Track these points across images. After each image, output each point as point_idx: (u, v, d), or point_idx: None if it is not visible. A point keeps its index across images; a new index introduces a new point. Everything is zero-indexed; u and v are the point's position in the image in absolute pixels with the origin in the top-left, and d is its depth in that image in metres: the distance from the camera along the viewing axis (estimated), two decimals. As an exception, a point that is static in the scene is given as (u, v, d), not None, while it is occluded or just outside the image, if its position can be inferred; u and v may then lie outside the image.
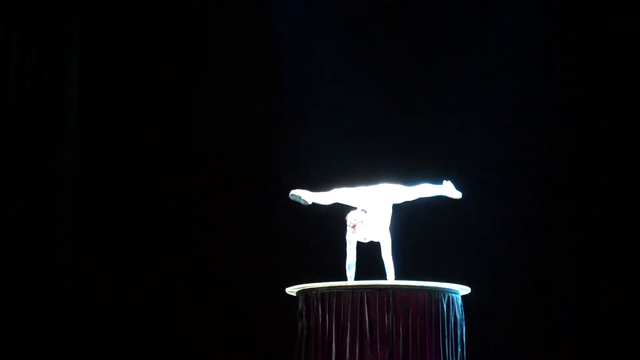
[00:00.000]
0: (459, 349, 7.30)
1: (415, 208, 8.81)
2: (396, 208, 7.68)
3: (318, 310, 7.19)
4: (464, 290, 7.47)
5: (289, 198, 7.70)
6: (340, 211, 7.60)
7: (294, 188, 7.73)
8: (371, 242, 7.53)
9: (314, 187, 7.84)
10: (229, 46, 10.50)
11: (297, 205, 7.68)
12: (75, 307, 9.70)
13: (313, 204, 7.64)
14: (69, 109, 9.89)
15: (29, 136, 9.65)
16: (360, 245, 7.53)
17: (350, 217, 7.44)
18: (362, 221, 7.40)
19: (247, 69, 10.49)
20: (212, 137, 10.35)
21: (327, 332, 7.13)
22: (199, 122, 10.36)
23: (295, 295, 7.49)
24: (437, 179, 10.15)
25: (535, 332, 9.73)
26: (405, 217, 7.77)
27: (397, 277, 7.45)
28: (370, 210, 7.47)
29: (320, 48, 10.42)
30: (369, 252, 7.64)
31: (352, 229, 7.41)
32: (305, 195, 7.58)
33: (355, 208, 7.53)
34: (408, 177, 9.46)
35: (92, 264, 9.88)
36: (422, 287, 7.19)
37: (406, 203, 7.89)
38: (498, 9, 10.33)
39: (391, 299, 7.07)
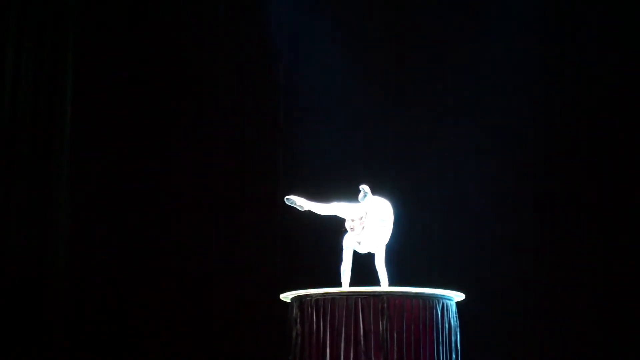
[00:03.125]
0: (454, 356, 7.31)
1: (412, 214, 8.83)
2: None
3: (312, 316, 7.20)
4: (458, 296, 7.47)
5: (285, 203, 7.71)
6: (337, 219, 7.63)
7: (292, 193, 7.73)
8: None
9: (311, 193, 7.85)
10: (228, 50, 10.49)
11: (294, 210, 7.69)
12: (74, 307, 9.72)
13: (309, 211, 7.64)
14: (66, 111, 9.92)
15: (27, 138, 9.70)
16: (354, 253, 7.53)
17: (352, 214, 7.46)
18: (361, 218, 7.42)
19: (245, 71, 10.50)
20: (211, 141, 10.35)
21: (321, 339, 7.14)
22: (196, 126, 10.35)
23: (289, 301, 7.50)
24: (435, 181, 10.20)
25: (531, 338, 9.71)
26: (399, 223, 7.75)
27: (391, 284, 7.44)
28: (371, 217, 7.48)
29: (318, 53, 10.44)
30: (362, 259, 7.64)
31: (351, 223, 7.42)
32: (300, 202, 7.59)
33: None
34: (407, 180, 9.51)
35: (91, 264, 9.90)
36: (416, 293, 7.19)
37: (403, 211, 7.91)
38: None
39: (385, 305, 7.07)
